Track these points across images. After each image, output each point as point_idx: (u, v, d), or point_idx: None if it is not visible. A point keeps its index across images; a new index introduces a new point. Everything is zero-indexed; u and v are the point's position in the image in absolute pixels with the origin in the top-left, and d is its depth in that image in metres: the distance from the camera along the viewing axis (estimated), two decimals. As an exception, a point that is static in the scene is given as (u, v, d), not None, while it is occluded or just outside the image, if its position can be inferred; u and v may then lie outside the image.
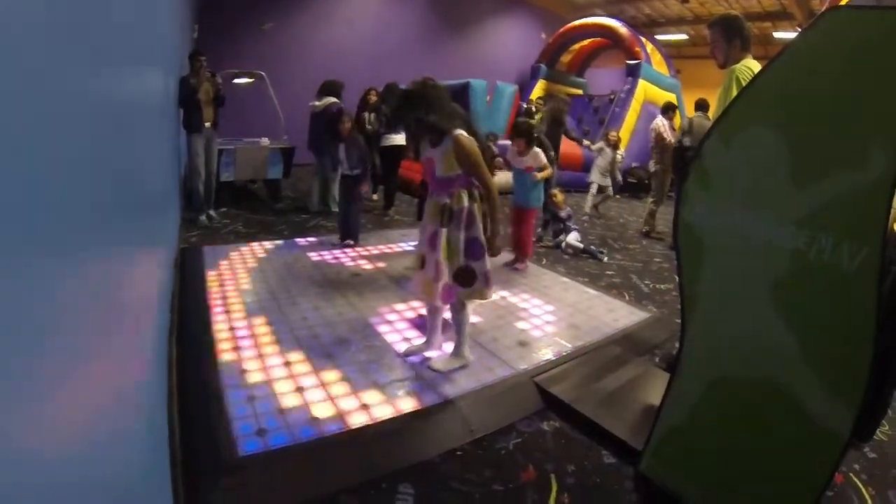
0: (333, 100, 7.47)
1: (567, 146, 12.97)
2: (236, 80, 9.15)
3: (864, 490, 2.68)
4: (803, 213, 1.95)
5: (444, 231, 3.19)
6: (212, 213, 7.25)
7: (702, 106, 7.66)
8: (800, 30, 2.08)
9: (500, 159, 6.17)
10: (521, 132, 5.72)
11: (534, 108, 12.23)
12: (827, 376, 1.95)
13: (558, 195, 7.22)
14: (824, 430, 1.96)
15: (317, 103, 7.55)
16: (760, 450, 2.16)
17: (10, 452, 0.62)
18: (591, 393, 3.28)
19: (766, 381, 2.10)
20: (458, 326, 3.50)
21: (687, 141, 7.21)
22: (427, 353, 3.61)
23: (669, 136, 8.37)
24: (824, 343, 1.96)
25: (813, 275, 1.94)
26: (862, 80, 1.83)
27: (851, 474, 2.79)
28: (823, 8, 1.97)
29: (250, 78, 9.35)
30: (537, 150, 5.74)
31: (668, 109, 9.00)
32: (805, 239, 1.95)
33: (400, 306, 4.47)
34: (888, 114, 1.76)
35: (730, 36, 3.47)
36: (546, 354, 3.81)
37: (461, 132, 3.13)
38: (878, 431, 3.06)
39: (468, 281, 3.24)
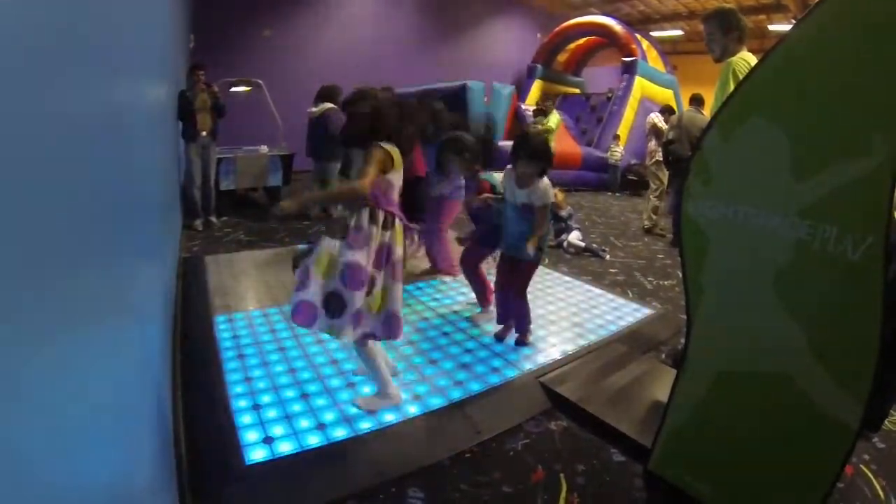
0: (331, 105, 7.47)
1: (566, 146, 12.99)
2: (234, 89, 9.17)
3: (874, 481, 2.67)
4: (805, 204, 1.94)
5: (331, 243, 2.78)
6: (213, 219, 7.33)
7: (695, 100, 7.63)
8: (795, 21, 2.07)
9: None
10: (536, 152, 3.62)
11: (538, 109, 11.51)
12: (834, 367, 1.94)
13: (559, 194, 7.20)
14: (833, 422, 1.95)
15: (314, 109, 7.55)
16: (770, 443, 2.15)
17: (12, 459, 0.62)
18: (597, 391, 3.27)
19: (773, 373, 2.10)
20: (364, 364, 3.09)
21: (672, 134, 7.21)
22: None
23: (664, 126, 8.45)
24: (830, 334, 1.96)
25: (817, 265, 1.94)
26: (860, 66, 1.83)
27: (862, 465, 2.77)
28: None
29: (247, 86, 9.36)
30: (547, 182, 3.70)
31: (666, 111, 9.11)
32: (808, 230, 1.94)
33: (403, 310, 4.44)
34: (889, 100, 1.75)
35: (726, 29, 3.46)
36: (551, 354, 3.80)
37: (380, 144, 2.78)
38: (886, 421, 3.05)
39: (336, 310, 2.75)
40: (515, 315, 3.95)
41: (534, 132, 3.97)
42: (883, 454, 2.88)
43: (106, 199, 1.38)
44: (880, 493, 2.60)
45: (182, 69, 7.45)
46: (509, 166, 3.77)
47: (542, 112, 11.05)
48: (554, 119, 10.95)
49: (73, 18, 1.05)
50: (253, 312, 4.27)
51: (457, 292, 4.96)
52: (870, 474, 2.72)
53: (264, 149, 8.51)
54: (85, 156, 1.14)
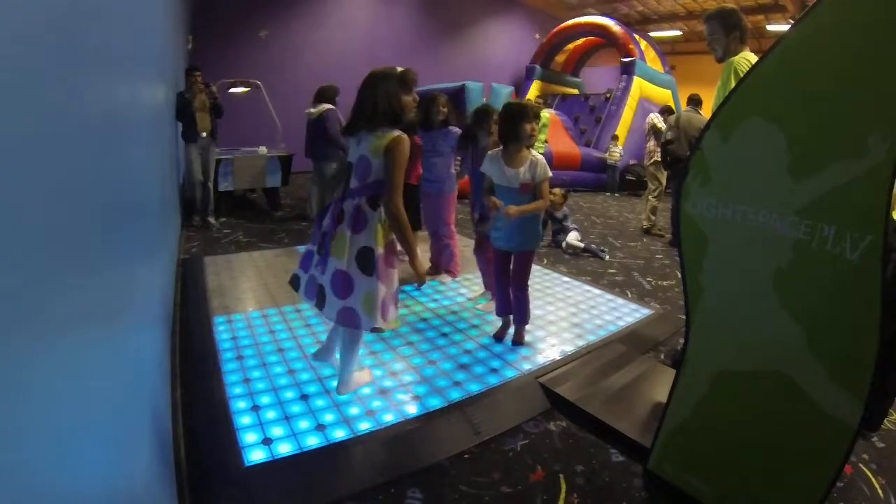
0: (329, 106, 7.48)
1: (564, 146, 12.98)
2: (232, 90, 9.17)
3: (873, 480, 2.67)
4: (804, 204, 1.94)
5: None
6: (212, 220, 7.33)
7: (693, 101, 7.63)
8: (793, 22, 2.09)
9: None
10: (525, 114, 3.56)
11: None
12: (833, 366, 1.94)
13: (557, 193, 7.20)
14: (833, 421, 1.95)
15: (312, 110, 7.55)
16: (769, 442, 2.15)
17: (11, 461, 0.62)
18: (596, 392, 3.27)
19: (772, 372, 2.10)
20: (349, 344, 3.11)
21: (670, 135, 7.20)
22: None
23: (663, 126, 8.49)
24: (829, 333, 1.96)
25: (816, 265, 1.94)
26: (857, 67, 1.83)
27: (861, 465, 2.77)
28: None
29: (246, 87, 9.36)
30: (538, 155, 3.64)
31: (666, 111, 9.14)
32: (807, 229, 1.94)
33: (402, 311, 4.46)
34: (887, 99, 1.76)
35: (728, 29, 3.45)
36: (550, 355, 3.79)
37: None
38: (885, 421, 3.05)
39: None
40: (515, 308, 3.89)
41: (514, 104, 3.76)
42: (882, 453, 2.88)
43: (105, 200, 1.38)
44: (879, 492, 2.60)
45: (181, 70, 7.46)
46: (492, 152, 3.70)
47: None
48: (543, 116, 10.76)
49: (72, 19, 1.05)
50: (252, 314, 4.27)
51: (455, 293, 4.96)
52: (869, 473, 2.72)
53: (263, 150, 8.50)
54: (83, 156, 1.14)
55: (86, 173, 1.16)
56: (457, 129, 4.88)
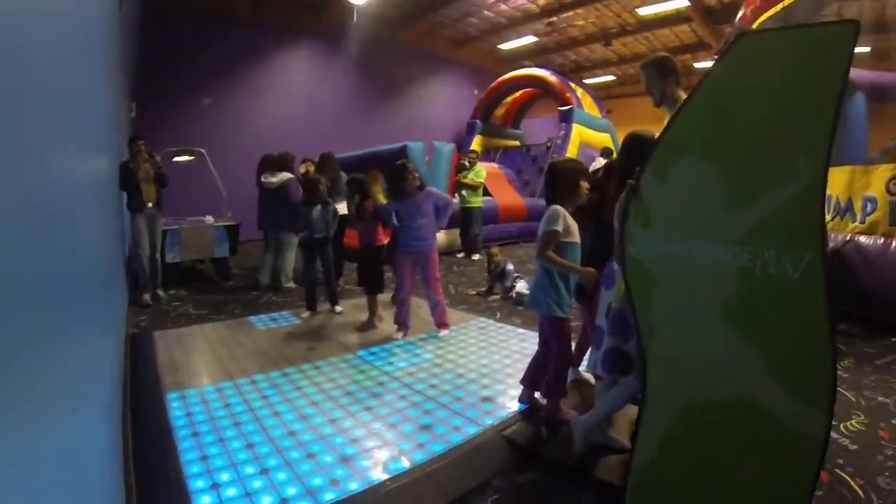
0: (290, 175, 7.55)
1: (509, 198, 13.08)
2: (176, 159, 9.10)
3: (851, 482, 2.72)
4: (743, 232, 2.03)
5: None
6: (160, 293, 7.15)
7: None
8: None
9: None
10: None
11: (467, 163, 10.98)
12: (791, 383, 2.00)
13: (497, 253, 7.39)
14: (799, 435, 1.99)
15: (272, 179, 7.51)
16: (741, 467, 2.17)
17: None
18: (563, 437, 3.23)
19: (733, 398, 2.13)
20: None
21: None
22: None
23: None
24: (784, 351, 2.02)
25: (762, 288, 2.01)
26: (778, 97, 1.94)
27: (837, 469, 2.83)
28: (731, 34, 2.07)
29: (190, 155, 9.30)
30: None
31: (607, 154, 9.42)
32: (749, 256, 2.02)
33: (359, 377, 4.38)
34: (807, 125, 1.87)
35: (664, 74, 3.59)
36: (512, 406, 3.76)
37: None
38: (854, 422, 3.11)
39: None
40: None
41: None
42: (856, 455, 2.96)
43: (45, 277, 1.33)
44: (859, 492, 2.65)
45: (124, 139, 7.38)
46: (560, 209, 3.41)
47: (464, 167, 10.85)
48: (481, 173, 10.69)
49: (5, 87, 1.02)
50: (206, 388, 4.14)
51: (412, 354, 4.91)
52: (846, 477, 2.77)
53: (209, 219, 8.39)
54: (20, 232, 1.09)
55: (24, 250, 1.11)
56: (435, 190, 5.01)
